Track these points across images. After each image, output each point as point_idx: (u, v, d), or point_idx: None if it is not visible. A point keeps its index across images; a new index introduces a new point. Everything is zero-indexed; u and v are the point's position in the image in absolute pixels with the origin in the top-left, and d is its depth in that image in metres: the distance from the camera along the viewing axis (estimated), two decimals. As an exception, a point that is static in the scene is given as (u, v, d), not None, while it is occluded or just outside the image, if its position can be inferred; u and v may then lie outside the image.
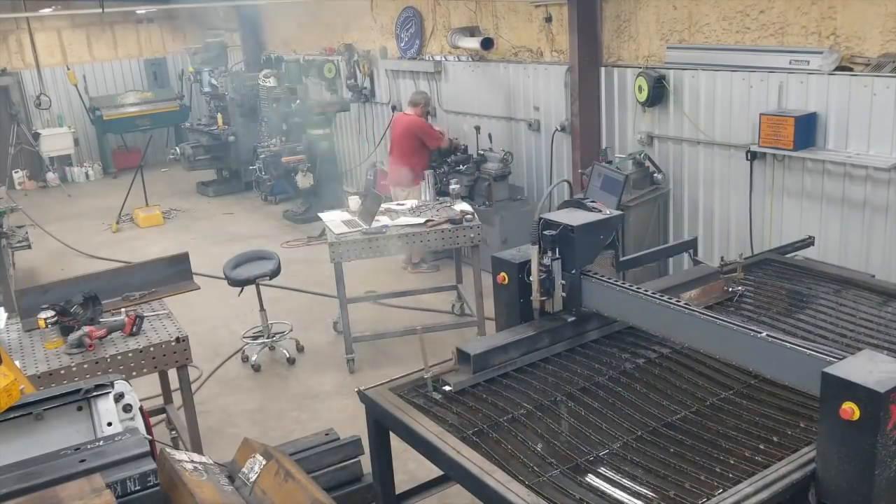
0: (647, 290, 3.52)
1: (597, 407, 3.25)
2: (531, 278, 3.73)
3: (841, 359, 2.69)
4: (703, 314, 3.24)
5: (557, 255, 3.74)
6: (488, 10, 8.84)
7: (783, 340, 2.93)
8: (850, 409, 2.46)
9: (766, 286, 4.44)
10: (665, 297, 3.43)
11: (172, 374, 4.78)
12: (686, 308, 3.29)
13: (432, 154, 8.31)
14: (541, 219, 3.74)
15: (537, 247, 3.71)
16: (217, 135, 12.48)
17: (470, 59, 9.24)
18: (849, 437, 2.50)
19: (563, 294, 3.78)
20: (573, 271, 3.73)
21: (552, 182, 8.38)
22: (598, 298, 3.72)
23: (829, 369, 2.59)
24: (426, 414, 3.28)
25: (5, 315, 4.63)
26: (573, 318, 3.79)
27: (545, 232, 3.72)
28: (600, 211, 3.89)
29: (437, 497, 3.93)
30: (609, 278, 3.73)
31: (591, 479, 2.79)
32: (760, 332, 2.99)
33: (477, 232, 6.26)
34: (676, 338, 3.52)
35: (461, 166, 8.22)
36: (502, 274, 3.90)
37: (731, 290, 4.25)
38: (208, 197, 12.72)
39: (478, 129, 8.54)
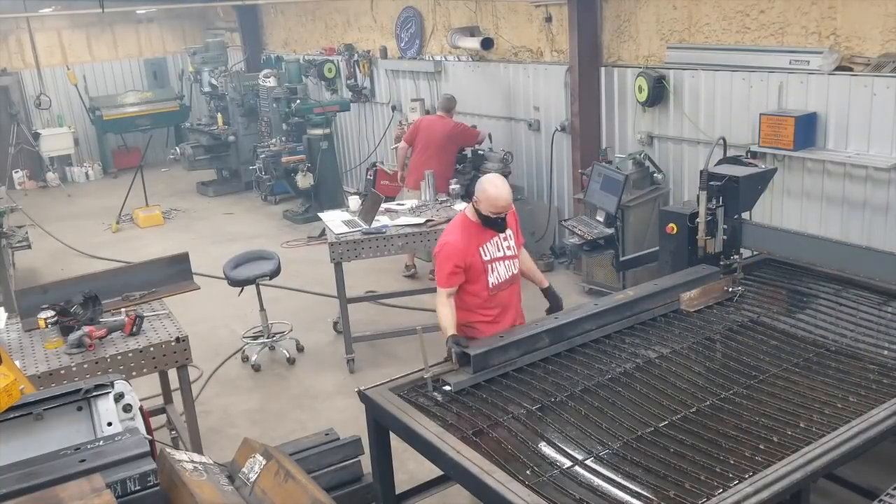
0: (799, 231, 4.45)
1: (597, 407, 3.25)
2: (698, 220, 4.39)
3: None
4: (853, 245, 4.10)
5: (720, 203, 4.38)
6: (488, 10, 8.84)
7: None
8: None
9: (766, 286, 4.44)
10: (818, 235, 4.52)
11: (172, 374, 4.78)
12: (852, 244, 4.17)
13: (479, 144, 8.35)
14: (706, 172, 4.41)
15: (706, 191, 4.34)
16: (217, 135, 12.48)
17: (470, 59, 9.24)
18: None
19: (724, 237, 4.42)
20: (735, 216, 4.45)
21: (552, 182, 8.38)
22: (758, 238, 4.62)
23: None
24: (426, 414, 3.28)
25: (5, 315, 4.63)
26: (736, 258, 4.42)
27: (711, 183, 4.36)
28: (756, 165, 4.73)
29: (437, 497, 3.94)
30: (766, 223, 4.80)
31: (591, 479, 2.79)
32: None
33: (477, 232, 6.24)
34: (845, 267, 4.29)
35: (457, 165, 8.20)
36: (671, 224, 4.60)
37: (731, 290, 4.26)
38: (208, 197, 12.72)
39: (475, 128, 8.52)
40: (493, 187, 4.01)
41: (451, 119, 8.16)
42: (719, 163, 4.89)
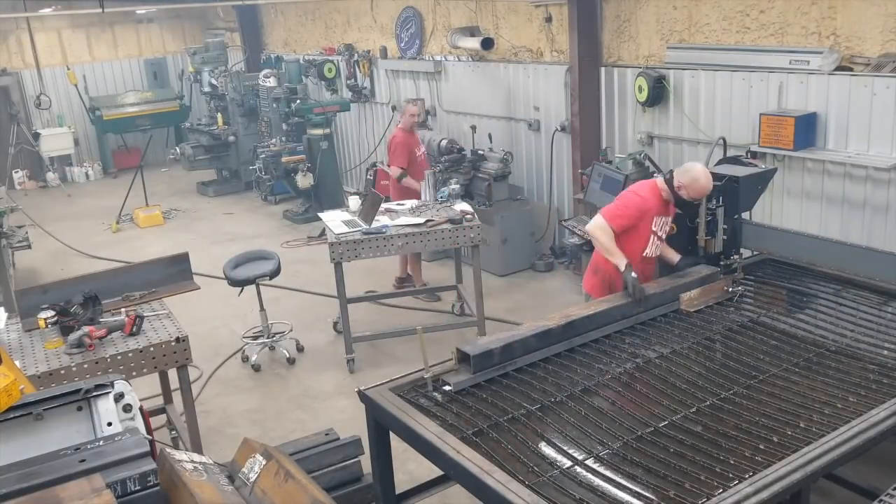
0: (799, 231, 4.39)
1: (597, 407, 3.25)
2: (698, 220, 4.40)
3: None
4: (853, 245, 4.04)
5: (720, 204, 4.35)
6: (488, 10, 8.84)
7: None
8: None
9: (766, 286, 4.44)
10: (819, 236, 4.49)
11: (172, 374, 4.77)
12: (854, 245, 4.04)
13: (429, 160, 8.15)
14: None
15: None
16: (217, 135, 12.48)
17: (470, 59, 9.24)
18: None
19: (724, 237, 4.41)
20: (735, 216, 4.44)
21: (552, 182, 8.38)
22: (760, 239, 4.64)
23: None
24: (426, 414, 3.28)
25: (5, 315, 4.63)
26: (736, 257, 4.42)
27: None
28: (756, 165, 4.75)
29: (437, 497, 3.93)
30: (767, 223, 4.78)
31: (591, 479, 2.79)
32: None
33: (477, 232, 6.26)
34: (846, 268, 4.28)
35: (455, 165, 8.19)
36: (671, 224, 4.55)
37: (730, 290, 4.26)
38: (208, 197, 12.72)
39: (474, 128, 8.53)
40: (706, 180, 4.37)
41: (399, 129, 7.83)
42: (719, 163, 4.91)
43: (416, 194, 7.42)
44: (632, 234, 4.44)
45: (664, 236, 4.59)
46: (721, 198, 4.39)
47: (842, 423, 3.00)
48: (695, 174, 4.36)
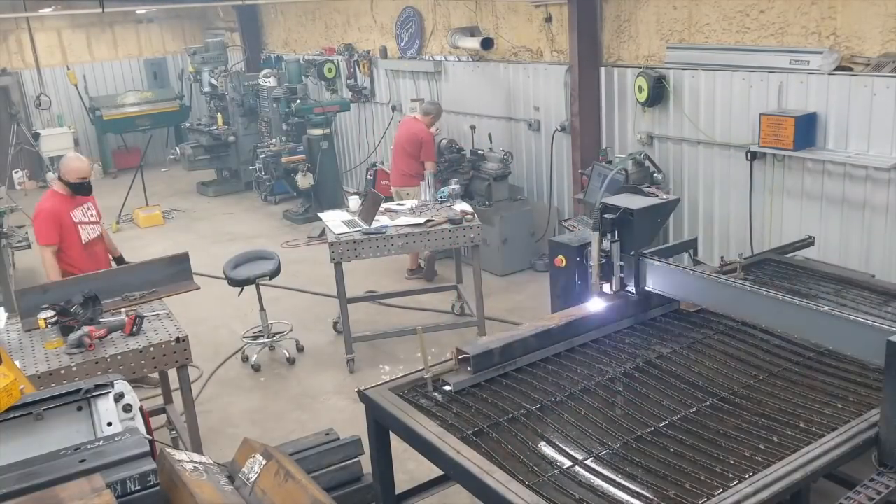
0: (704, 271, 3.80)
1: (597, 407, 3.25)
2: (590, 262, 3.94)
3: None
4: (763, 291, 3.44)
5: (616, 238, 3.92)
6: (488, 10, 8.84)
7: (845, 313, 3.13)
8: None
9: (766, 286, 4.43)
10: (725, 277, 3.69)
11: (172, 374, 4.78)
12: (748, 286, 3.50)
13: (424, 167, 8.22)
14: (602, 204, 3.95)
15: (598, 232, 3.89)
16: (217, 135, 12.48)
17: (470, 59, 9.24)
18: None
19: (622, 275, 3.96)
20: (632, 253, 3.92)
21: (552, 182, 8.39)
22: (657, 278, 3.91)
23: (895, 338, 2.76)
24: (426, 414, 3.28)
25: (5, 315, 4.63)
26: (634, 297, 3.97)
27: (605, 216, 3.91)
28: (657, 196, 4.24)
29: (437, 497, 3.93)
30: (666, 259, 3.97)
31: (591, 479, 2.79)
32: (822, 307, 3.17)
33: (477, 232, 6.26)
34: (736, 314, 3.74)
35: (455, 165, 8.21)
36: (560, 257, 4.14)
37: (731, 290, 4.24)
38: (208, 197, 12.72)
39: (473, 128, 8.52)
40: (78, 160, 5.57)
41: (423, 124, 8.11)
42: (619, 191, 4.43)
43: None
44: (65, 235, 5.42)
45: (95, 218, 5.66)
46: (616, 232, 3.92)
47: (842, 423, 3.00)
48: (71, 162, 5.52)
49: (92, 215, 5.69)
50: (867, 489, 2.71)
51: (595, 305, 3.93)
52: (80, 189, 5.53)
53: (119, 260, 5.93)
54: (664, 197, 4.23)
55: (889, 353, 2.74)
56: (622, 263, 3.93)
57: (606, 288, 3.97)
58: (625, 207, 3.87)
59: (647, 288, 3.94)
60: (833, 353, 3.60)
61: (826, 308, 3.19)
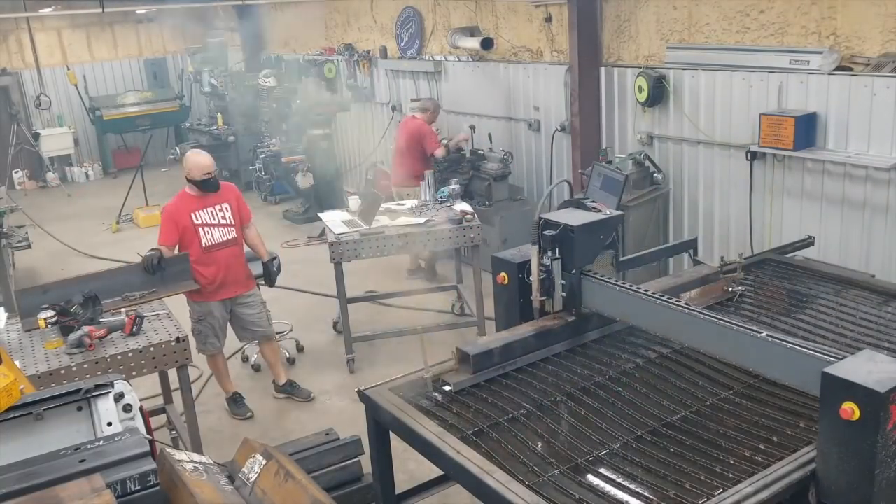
0: (646, 291, 3.52)
1: (597, 407, 3.25)
2: (531, 279, 3.74)
3: (841, 359, 2.68)
4: (703, 314, 3.24)
5: (557, 255, 3.75)
6: (488, 10, 8.84)
7: (783, 340, 2.93)
8: (851, 409, 2.45)
9: (766, 286, 4.44)
10: (665, 297, 3.43)
11: (172, 374, 4.78)
12: (686, 308, 3.29)
13: (435, 158, 8.25)
14: (541, 219, 3.75)
15: (537, 247, 3.72)
16: (217, 135, 12.48)
17: (470, 59, 9.24)
18: (849, 438, 2.50)
19: (563, 294, 3.78)
20: (573, 271, 3.73)
21: (552, 182, 8.38)
22: (598, 298, 3.72)
23: (829, 369, 2.58)
24: (426, 414, 3.28)
25: (5, 315, 4.63)
26: (573, 319, 3.79)
27: (545, 232, 3.74)
28: (600, 211, 3.91)
29: (437, 497, 3.93)
30: (609, 278, 3.73)
31: (591, 479, 2.78)
32: (760, 332, 2.99)
33: (477, 232, 6.26)
34: (676, 338, 3.52)
35: (454, 165, 8.22)
36: (502, 274, 3.92)
37: (731, 290, 4.25)
38: (208, 197, 12.70)
39: (473, 128, 8.53)
40: (197, 156, 5.47)
41: (423, 120, 8.16)
42: (562, 205, 4.14)
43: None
44: (185, 237, 5.34)
45: (226, 221, 5.46)
46: (557, 249, 3.75)
47: (842, 423, 2.99)
48: (190, 158, 5.46)
49: (224, 218, 5.46)
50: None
51: (536, 327, 3.75)
52: (208, 186, 5.36)
53: (266, 267, 5.72)
54: (607, 212, 3.93)
55: (824, 385, 2.56)
56: (563, 282, 3.76)
57: (547, 306, 3.78)
58: (565, 224, 3.72)
59: (584, 309, 3.75)
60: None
61: (764, 334, 2.96)
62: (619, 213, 4.15)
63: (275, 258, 5.78)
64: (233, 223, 5.52)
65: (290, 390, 5.98)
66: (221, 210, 5.47)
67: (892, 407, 2.42)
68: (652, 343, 3.81)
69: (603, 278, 3.73)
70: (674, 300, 3.41)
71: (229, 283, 5.53)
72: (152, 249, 5.11)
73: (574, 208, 3.96)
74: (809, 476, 2.66)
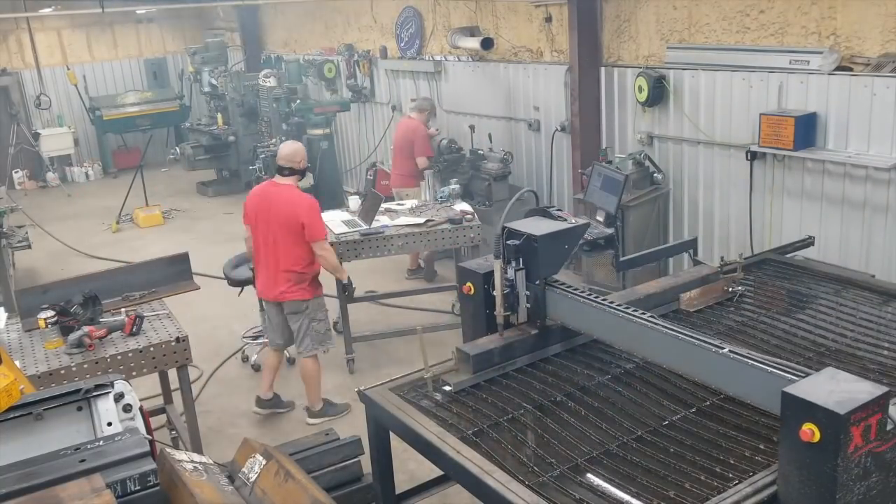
0: (611, 302, 3.40)
1: (597, 407, 3.25)
2: (495, 293, 3.60)
3: (803, 376, 2.58)
4: (666, 328, 3.09)
5: (521, 266, 3.62)
6: (488, 10, 8.84)
7: (745, 357, 2.80)
8: (811, 431, 2.35)
9: (766, 286, 4.44)
10: (629, 310, 3.29)
11: (172, 374, 4.78)
12: (649, 321, 3.16)
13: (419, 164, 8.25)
14: (504, 228, 3.63)
15: (500, 260, 3.57)
16: (217, 135, 12.48)
17: (470, 59, 9.24)
18: (809, 460, 2.40)
19: (528, 305, 3.66)
20: (537, 282, 3.61)
21: (552, 182, 8.39)
22: (562, 310, 3.61)
23: (790, 389, 2.47)
24: (426, 414, 3.28)
25: (5, 315, 4.63)
26: (535, 332, 3.67)
27: (509, 242, 3.62)
28: (565, 220, 3.81)
29: (437, 497, 3.93)
30: (573, 288, 3.59)
31: (591, 479, 2.79)
32: (723, 348, 2.86)
33: (477, 232, 6.26)
34: (638, 352, 3.40)
35: (454, 165, 8.22)
36: (468, 284, 3.78)
37: (731, 290, 4.26)
38: (208, 197, 12.71)
39: (472, 128, 8.53)
40: (283, 145, 5.51)
41: (418, 120, 8.16)
42: (528, 213, 4.05)
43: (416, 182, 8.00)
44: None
45: None
46: (521, 259, 3.62)
47: (842, 424, 2.99)
48: (281, 146, 5.53)
49: None
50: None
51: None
52: (305, 175, 5.51)
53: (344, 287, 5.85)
54: (573, 221, 3.83)
55: (784, 405, 2.45)
56: (528, 293, 3.64)
57: (512, 319, 3.68)
58: (528, 233, 3.58)
59: (547, 322, 3.65)
60: (833, 353, 3.60)
61: (726, 349, 2.85)
62: (585, 221, 4.00)
63: (349, 283, 5.84)
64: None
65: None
66: None
67: (852, 429, 2.33)
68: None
69: (567, 288, 3.59)
70: (638, 312, 3.25)
71: (270, 285, 5.48)
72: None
73: (540, 217, 3.85)
74: (770, 499, 2.58)
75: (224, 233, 10.54)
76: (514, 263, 3.61)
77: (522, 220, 3.82)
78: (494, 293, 3.60)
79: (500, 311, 3.60)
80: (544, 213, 3.92)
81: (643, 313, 3.26)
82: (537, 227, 3.66)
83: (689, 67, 6.70)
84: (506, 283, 3.59)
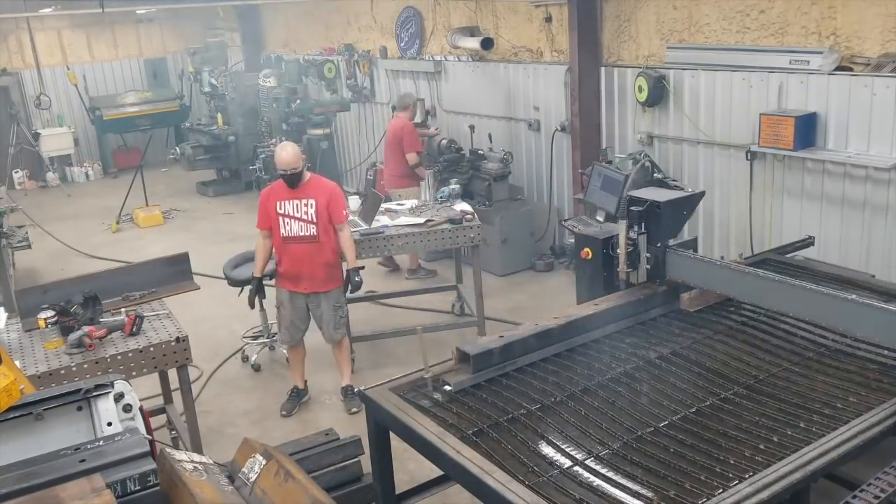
0: (730, 262, 3.93)
1: (597, 407, 3.25)
2: (618, 252, 4.06)
3: None
4: (789, 281, 3.54)
5: (643, 230, 4.02)
6: (488, 10, 8.84)
7: (872, 302, 3.20)
8: None
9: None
10: (748, 267, 3.85)
11: (172, 374, 4.77)
12: (770, 275, 3.62)
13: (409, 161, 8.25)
14: (628, 196, 4.07)
15: (626, 221, 4.02)
16: (217, 135, 12.48)
17: (470, 59, 9.24)
18: None
19: (648, 266, 4.05)
20: (658, 244, 4.05)
21: (552, 182, 8.39)
22: (683, 269, 4.04)
23: None
24: (426, 414, 3.28)
25: (5, 315, 4.63)
26: (663, 288, 4.08)
27: (632, 208, 4.03)
28: (682, 189, 4.39)
29: (437, 497, 3.93)
30: (692, 251, 4.10)
31: (592, 479, 2.79)
32: (850, 295, 3.25)
33: (477, 232, 6.26)
34: (763, 303, 3.83)
35: (453, 165, 8.23)
36: (586, 249, 4.31)
37: (731, 290, 4.25)
38: (208, 197, 12.71)
39: (472, 128, 8.53)
40: (281, 150, 5.38)
41: (404, 118, 8.17)
42: (646, 185, 4.59)
43: (416, 182, 7.99)
44: (272, 224, 5.42)
45: (308, 218, 5.34)
46: (643, 224, 4.06)
47: (842, 423, 3.00)
48: (277, 151, 5.42)
49: (306, 214, 5.36)
50: (872, 487, 2.70)
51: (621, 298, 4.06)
52: (287, 179, 5.33)
53: (347, 275, 5.62)
54: (689, 190, 4.39)
55: None
56: (648, 255, 4.04)
57: (633, 277, 4.08)
58: (651, 200, 4.00)
59: (673, 278, 4.08)
60: (833, 353, 3.60)
61: (853, 296, 3.26)
62: (701, 191, 4.60)
63: (360, 268, 5.68)
64: (314, 220, 5.38)
65: (344, 395, 5.85)
66: (306, 205, 5.37)
67: None
68: (652, 343, 3.82)
69: (687, 251, 4.09)
70: (760, 271, 3.80)
71: (304, 278, 5.50)
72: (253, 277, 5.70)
73: (656, 187, 4.40)
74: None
75: (224, 233, 10.53)
76: (635, 228, 4.04)
77: (643, 189, 4.34)
78: (616, 253, 4.07)
79: (622, 267, 4.05)
80: (661, 183, 4.56)
81: (763, 271, 3.85)
82: (659, 194, 4.12)
83: (689, 67, 6.70)
84: (629, 244, 4.02)
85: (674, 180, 4.36)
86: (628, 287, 4.12)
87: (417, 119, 9.54)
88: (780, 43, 6.03)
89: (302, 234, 5.39)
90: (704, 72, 6.57)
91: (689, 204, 4.20)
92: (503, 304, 7.34)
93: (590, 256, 4.28)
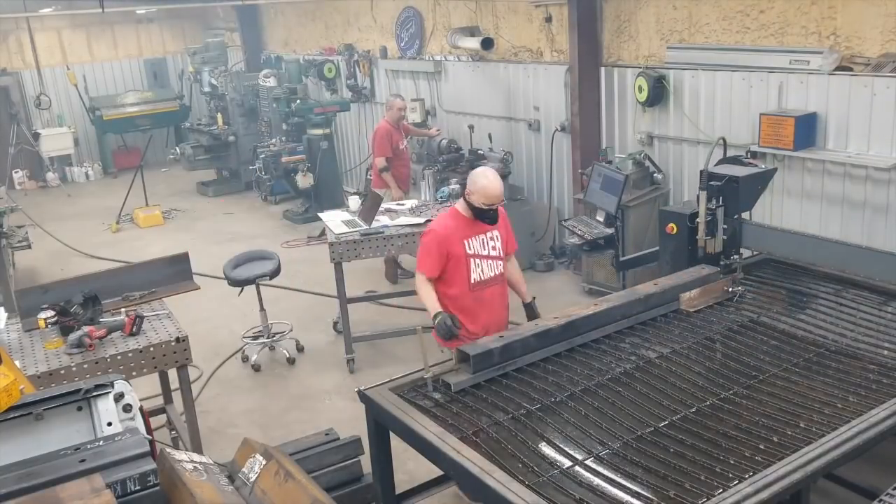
0: (804, 232, 4.49)
1: (597, 407, 3.25)
2: (698, 220, 4.39)
3: None
4: (853, 245, 4.08)
5: (720, 204, 4.37)
6: (488, 10, 8.84)
7: None
8: None
9: (766, 286, 4.44)
10: (815, 235, 4.57)
11: (172, 374, 4.77)
12: (846, 242, 4.10)
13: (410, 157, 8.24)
14: (705, 171, 4.44)
15: (706, 192, 4.34)
16: (217, 135, 12.48)
17: (470, 59, 9.24)
18: None
19: (724, 237, 4.41)
20: (735, 216, 4.46)
21: (552, 182, 8.38)
22: (759, 238, 4.67)
23: None
24: (426, 414, 3.28)
25: (5, 315, 4.62)
26: (736, 258, 4.45)
27: (711, 182, 4.37)
28: (756, 165, 4.79)
29: (437, 497, 3.93)
30: (767, 223, 4.86)
31: (591, 479, 2.79)
32: None
33: (477, 232, 6.24)
34: (838, 267, 4.35)
35: (453, 165, 8.22)
36: (671, 225, 4.62)
37: (731, 290, 4.26)
38: (208, 197, 12.72)
39: (471, 128, 8.52)
40: (485, 179, 4.17)
41: (386, 119, 8.17)
42: (719, 163, 4.89)
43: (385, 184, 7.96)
44: (450, 268, 4.23)
45: (497, 253, 4.33)
46: (721, 197, 4.40)
47: (842, 423, 3.00)
48: (474, 178, 4.19)
49: (494, 249, 4.32)
50: (892, 498, 2.68)
51: (703, 269, 4.34)
52: (484, 216, 4.23)
53: (529, 307, 4.47)
54: (762, 167, 4.82)
55: None
56: (725, 227, 4.40)
57: (709, 246, 4.39)
58: (730, 175, 4.36)
59: (747, 248, 4.63)
60: (833, 353, 3.60)
61: None
62: (773, 167, 5.08)
63: (534, 297, 4.59)
64: (502, 255, 4.40)
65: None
66: (492, 239, 4.34)
67: None
68: (652, 343, 3.82)
69: (762, 224, 4.78)
70: (835, 240, 4.54)
71: (493, 327, 4.28)
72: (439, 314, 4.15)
73: (731, 164, 4.78)
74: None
75: (224, 233, 10.54)
76: (713, 202, 4.37)
77: (719, 166, 4.74)
78: (697, 222, 4.40)
79: (701, 234, 4.39)
80: (735, 160, 4.90)
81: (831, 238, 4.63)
82: (736, 170, 4.50)
83: (689, 67, 6.70)
84: (708, 212, 4.36)
85: (747, 157, 5.10)
86: (706, 256, 4.42)
87: (417, 119, 9.58)
88: (780, 43, 6.03)
89: (492, 274, 4.35)
90: (704, 72, 6.57)
91: (763, 179, 4.55)
92: (503, 304, 7.34)
93: (674, 231, 4.58)
